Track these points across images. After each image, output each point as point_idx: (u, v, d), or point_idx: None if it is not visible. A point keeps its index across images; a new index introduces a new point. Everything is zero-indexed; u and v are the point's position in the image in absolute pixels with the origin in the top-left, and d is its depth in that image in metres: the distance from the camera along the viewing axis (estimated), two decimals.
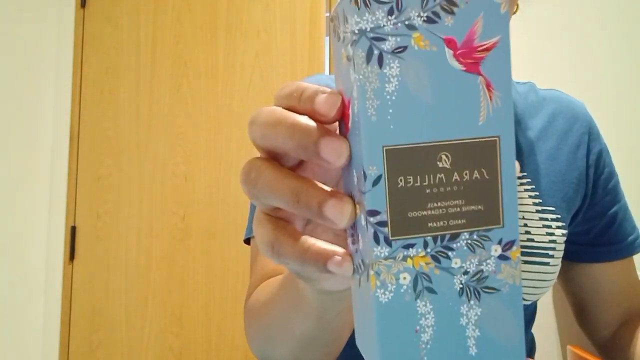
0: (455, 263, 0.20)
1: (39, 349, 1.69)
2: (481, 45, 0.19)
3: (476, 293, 0.20)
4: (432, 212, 0.19)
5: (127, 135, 1.74)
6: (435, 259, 0.20)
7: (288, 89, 0.22)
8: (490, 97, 0.19)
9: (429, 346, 0.20)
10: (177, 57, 1.74)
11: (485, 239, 0.20)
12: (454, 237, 0.20)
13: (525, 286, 0.54)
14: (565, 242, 0.60)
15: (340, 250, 0.21)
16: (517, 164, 0.20)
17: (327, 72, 1.67)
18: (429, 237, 0.20)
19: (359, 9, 0.18)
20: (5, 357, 1.56)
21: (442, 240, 0.20)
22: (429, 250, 0.20)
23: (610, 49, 1.55)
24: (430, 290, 0.20)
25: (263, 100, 1.66)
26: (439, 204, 0.19)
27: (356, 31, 0.18)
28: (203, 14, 1.74)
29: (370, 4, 0.18)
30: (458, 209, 0.20)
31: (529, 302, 0.56)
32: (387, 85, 0.19)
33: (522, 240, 0.54)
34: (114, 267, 1.70)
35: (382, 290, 0.19)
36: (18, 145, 1.63)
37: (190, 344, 1.64)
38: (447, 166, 0.19)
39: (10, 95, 1.59)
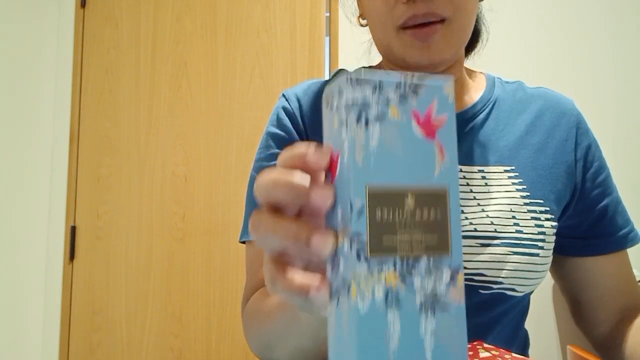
0: (417, 283, 0.25)
1: (39, 349, 1.69)
2: (436, 120, 0.26)
3: (432, 308, 0.25)
4: (401, 238, 0.25)
5: (127, 135, 1.74)
6: (402, 277, 0.25)
7: (284, 153, 0.28)
8: (442, 157, 0.26)
9: (395, 350, 0.24)
10: (177, 57, 1.74)
11: (439, 264, 0.26)
12: (416, 261, 0.25)
13: (515, 277, 0.54)
14: (558, 235, 0.60)
15: (317, 281, 0.27)
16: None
17: (326, 71, 1.67)
18: (397, 259, 0.25)
19: (352, 86, 0.25)
20: (6, 357, 1.56)
21: (407, 263, 0.25)
22: (397, 269, 0.25)
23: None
24: (398, 304, 0.25)
25: (263, 100, 1.66)
26: (407, 233, 0.25)
27: (350, 101, 0.25)
28: (203, 14, 1.74)
29: (360, 84, 0.25)
30: (419, 239, 0.25)
31: (521, 294, 0.56)
32: (370, 141, 0.25)
33: (511, 232, 0.55)
34: (114, 267, 1.70)
35: (361, 300, 0.24)
36: (18, 145, 1.63)
37: (190, 344, 1.64)
38: (412, 205, 0.25)
39: (10, 95, 1.59)
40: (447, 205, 0.26)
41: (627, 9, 1.56)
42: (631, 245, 0.63)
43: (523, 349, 0.63)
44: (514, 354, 0.54)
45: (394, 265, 0.25)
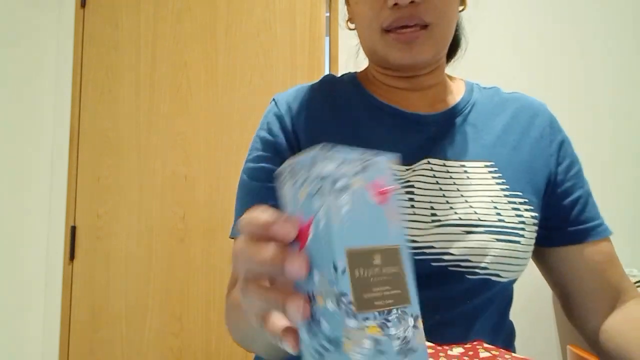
0: (392, 331, 0.28)
1: (39, 349, 1.70)
2: (386, 190, 0.30)
3: (405, 352, 0.29)
4: (376, 294, 0.28)
5: (127, 135, 1.74)
6: (381, 327, 0.28)
7: (247, 222, 0.32)
8: (393, 220, 0.30)
9: None
10: (177, 57, 1.74)
11: (405, 313, 0.29)
12: (389, 312, 0.28)
13: (499, 263, 0.58)
14: (539, 227, 0.64)
15: (286, 329, 0.31)
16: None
17: (326, 71, 1.67)
18: (376, 312, 0.28)
19: (321, 161, 0.29)
20: (6, 357, 1.56)
21: (383, 314, 0.28)
22: (377, 321, 0.28)
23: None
24: (381, 352, 0.28)
25: (263, 100, 1.66)
26: (379, 288, 0.28)
27: (323, 174, 0.28)
28: (203, 14, 1.74)
29: (326, 160, 0.29)
30: (388, 292, 0.29)
31: (505, 280, 0.59)
32: (342, 208, 0.28)
33: (493, 221, 0.59)
34: (114, 267, 1.70)
35: (355, 352, 0.27)
36: (18, 145, 1.63)
37: (190, 344, 1.64)
38: (379, 263, 0.29)
39: (10, 96, 1.59)
40: (402, 260, 0.30)
41: (624, 10, 1.56)
42: (599, 238, 0.65)
43: (509, 338, 0.65)
44: (513, 355, 0.54)
45: (374, 318, 0.28)
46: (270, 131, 0.65)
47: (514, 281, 0.62)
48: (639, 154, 1.52)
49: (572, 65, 1.57)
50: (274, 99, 0.68)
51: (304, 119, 0.64)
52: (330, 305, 0.27)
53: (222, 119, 1.69)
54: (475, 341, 0.59)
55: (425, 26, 0.58)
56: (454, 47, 0.74)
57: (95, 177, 1.75)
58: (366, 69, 0.72)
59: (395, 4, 0.56)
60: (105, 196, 1.74)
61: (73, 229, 1.74)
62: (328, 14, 1.70)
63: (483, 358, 0.53)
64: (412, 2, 0.56)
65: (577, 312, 0.67)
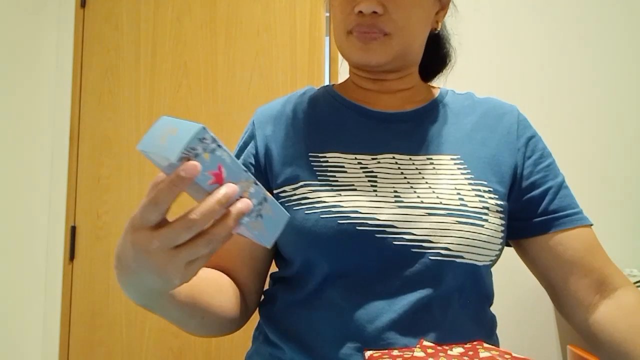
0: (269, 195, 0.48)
1: (39, 349, 1.70)
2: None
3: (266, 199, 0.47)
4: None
5: (127, 136, 1.75)
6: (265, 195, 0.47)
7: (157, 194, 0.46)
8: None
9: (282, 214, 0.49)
10: (177, 57, 1.74)
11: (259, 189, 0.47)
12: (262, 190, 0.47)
13: (461, 244, 0.60)
14: (513, 220, 0.68)
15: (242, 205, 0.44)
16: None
17: (326, 71, 1.68)
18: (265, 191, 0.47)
19: (207, 135, 0.41)
20: (6, 357, 1.57)
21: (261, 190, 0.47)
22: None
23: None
24: (271, 201, 0.47)
25: (263, 101, 1.66)
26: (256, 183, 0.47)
27: (211, 141, 0.42)
28: (203, 14, 1.74)
29: (206, 135, 0.41)
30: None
31: (469, 262, 0.60)
32: (227, 150, 0.43)
33: (455, 205, 0.62)
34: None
35: (271, 198, 0.47)
36: (18, 145, 1.63)
37: (190, 344, 1.65)
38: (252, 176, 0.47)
39: (10, 95, 1.59)
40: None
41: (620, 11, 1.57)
42: (572, 226, 0.66)
43: (489, 332, 0.66)
44: (514, 354, 0.54)
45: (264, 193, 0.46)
46: (246, 139, 0.76)
47: (483, 268, 0.63)
48: (639, 155, 1.53)
49: (570, 66, 1.57)
50: (257, 110, 0.78)
51: (275, 127, 0.73)
52: (252, 189, 0.44)
53: (222, 119, 1.69)
54: (475, 341, 0.59)
55: (386, 34, 0.65)
56: (441, 62, 0.81)
57: (95, 177, 1.75)
58: (348, 77, 0.78)
59: (360, 12, 0.64)
60: (105, 196, 1.74)
61: (73, 229, 1.74)
62: (328, 14, 1.70)
63: (483, 358, 0.53)
64: (374, 12, 0.63)
65: (564, 303, 0.68)
